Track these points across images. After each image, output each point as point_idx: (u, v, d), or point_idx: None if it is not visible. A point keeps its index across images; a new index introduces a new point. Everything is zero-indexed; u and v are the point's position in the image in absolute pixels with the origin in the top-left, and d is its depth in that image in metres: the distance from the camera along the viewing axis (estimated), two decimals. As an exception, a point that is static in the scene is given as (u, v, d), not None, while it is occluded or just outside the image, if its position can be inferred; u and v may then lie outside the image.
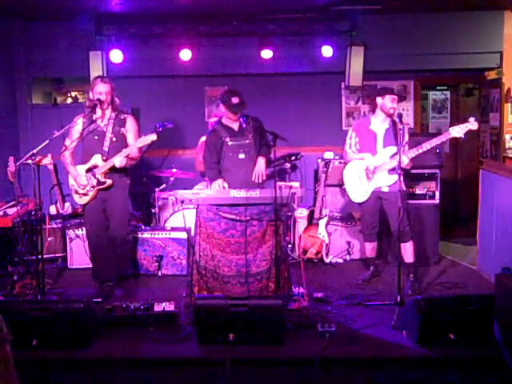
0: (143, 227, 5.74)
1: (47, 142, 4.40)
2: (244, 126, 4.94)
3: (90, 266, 5.06)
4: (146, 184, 6.26)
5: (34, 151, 4.40)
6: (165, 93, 6.90)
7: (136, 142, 4.69)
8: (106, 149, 4.72)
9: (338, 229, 6.02)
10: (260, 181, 4.94)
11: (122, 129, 4.78)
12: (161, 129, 6.15)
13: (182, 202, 4.57)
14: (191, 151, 6.53)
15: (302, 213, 6.03)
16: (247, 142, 4.94)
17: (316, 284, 5.05)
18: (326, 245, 5.82)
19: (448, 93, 7.66)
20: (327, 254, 5.84)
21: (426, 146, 4.69)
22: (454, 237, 6.77)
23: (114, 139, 4.74)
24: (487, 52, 6.64)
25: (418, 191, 5.77)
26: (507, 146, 6.58)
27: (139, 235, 5.59)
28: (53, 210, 5.76)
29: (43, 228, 5.29)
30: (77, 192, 4.81)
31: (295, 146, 6.24)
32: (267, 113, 6.20)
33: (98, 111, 4.75)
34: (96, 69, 6.24)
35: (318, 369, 3.54)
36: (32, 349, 3.70)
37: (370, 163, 4.98)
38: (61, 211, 5.70)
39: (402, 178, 4.53)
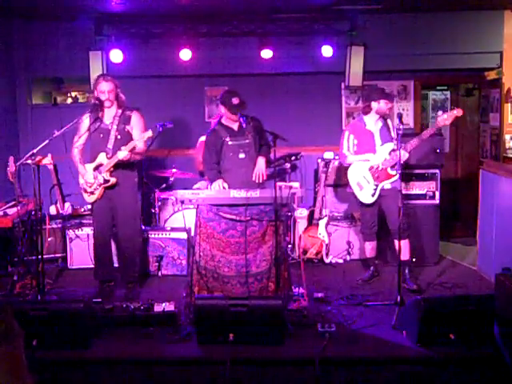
0: (143, 227, 5.74)
1: (47, 141, 4.40)
2: (244, 125, 4.94)
3: (90, 266, 5.06)
4: (146, 184, 6.26)
5: (34, 151, 4.40)
6: (165, 93, 6.90)
7: (135, 139, 4.66)
8: (110, 146, 4.71)
9: (338, 229, 6.02)
10: (260, 181, 4.94)
11: (127, 126, 4.77)
12: (161, 129, 6.14)
13: (182, 202, 4.57)
14: (191, 151, 6.53)
15: (301, 213, 6.03)
16: (247, 141, 4.94)
17: (316, 284, 5.05)
18: (326, 245, 5.82)
19: (448, 93, 7.66)
20: (327, 254, 5.84)
21: (419, 139, 4.80)
22: (454, 237, 6.77)
23: (119, 137, 4.72)
24: (487, 52, 6.64)
25: (417, 191, 5.77)
26: (507, 145, 6.58)
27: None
28: (53, 210, 5.76)
29: (43, 228, 5.29)
30: (85, 190, 4.82)
31: (295, 146, 6.23)
32: (267, 113, 6.20)
33: (105, 110, 4.75)
34: (96, 69, 6.23)
35: (318, 369, 3.54)
36: (32, 349, 3.69)
37: (376, 163, 4.99)
38: (61, 211, 5.70)
39: (392, 180, 4.72)
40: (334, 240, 5.95)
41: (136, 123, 4.79)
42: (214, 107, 6.84)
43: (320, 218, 5.88)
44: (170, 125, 6.20)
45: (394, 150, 4.89)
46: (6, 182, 5.26)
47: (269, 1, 6.03)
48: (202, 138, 5.95)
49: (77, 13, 6.18)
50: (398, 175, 4.81)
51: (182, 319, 4.22)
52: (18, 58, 6.76)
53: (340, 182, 6.30)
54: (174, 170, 6.19)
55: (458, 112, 4.73)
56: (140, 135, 4.63)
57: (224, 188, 4.80)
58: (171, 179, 6.21)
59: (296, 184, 5.39)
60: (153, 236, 5.58)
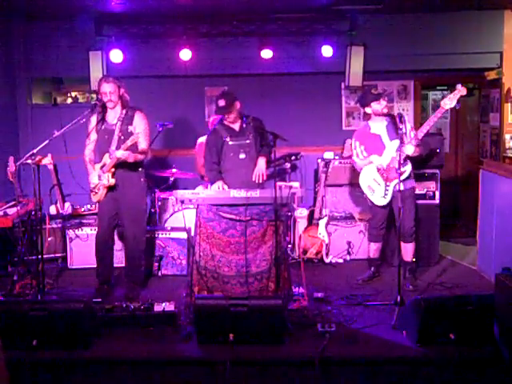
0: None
1: (47, 141, 4.40)
2: (245, 126, 4.95)
3: (90, 266, 5.05)
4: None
5: (34, 151, 4.40)
6: (165, 93, 6.90)
7: (127, 140, 4.60)
8: (113, 147, 4.70)
9: (338, 229, 6.02)
10: (261, 181, 4.95)
11: (130, 126, 4.73)
12: (161, 129, 6.15)
13: (182, 201, 4.57)
14: (191, 151, 6.53)
15: (302, 213, 6.03)
16: (248, 142, 4.94)
17: (316, 284, 5.05)
18: (326, 245, 5.82)
19: (448, 93, 7.65)
20: (327, 254, 5.84)
21: (426, 127, 4.65)
22: (454, 237, 6.77)
23: (122, 137, 4.69)
24: (487, 52, 6.65)
25: (418, 191, 5.76)
26: (507, 145, 6.58)
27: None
28: (53, 210, 5.77)
29: (43, 228, 5.29)
30: (91, 190, 4.83)
31: (295, 146, 6.23)
32: (267, 113, 6.19)
33: (110, 110, 4.75)
34: (96, 69, 6.24)
35: (318, 369, 3.55)
36: (32, 349, 3.70)
37: (379, 163, 4.97)
38: (61, 211, 5.71)
39: (402, 178, 4.59)
40: (333, 240, 5.95)
41: (138, 123, 4.76)
42: (213, 107, 6.84)
43: (320, 218, 5.89)
44: (170, 125, 6.22)
45: (399, 147, 4.72)
46: (6, 182, 5.26)
47: (269, 1, 6.03)
48: (201, 139, 5.96)
49: (77, 13, 6.18)
50: (406, 173, 4.81)
51: (181, 319, 4.22)
52: (18, 58, 6.76)
53: (340, 182, 6.30)
54: (174, 170, 6.19)
55: (462, 91, 4.51)
56: (132, 136, 4.58)
57: (224, 190, 4.80)
58: (171, 179, 6.21)
59: (296, 184, 5.38)
60: (153, 236, 5.58)
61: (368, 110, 5.00)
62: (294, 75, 6.85)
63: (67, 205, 5.76)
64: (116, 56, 6.36)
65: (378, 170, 4.98)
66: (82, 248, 5.67)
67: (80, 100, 7.93)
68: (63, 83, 7.87)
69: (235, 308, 3.75)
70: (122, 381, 3.64)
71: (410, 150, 4.70)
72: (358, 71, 6.50)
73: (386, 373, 3.61)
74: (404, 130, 4.73)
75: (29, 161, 4.43)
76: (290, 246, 5.93)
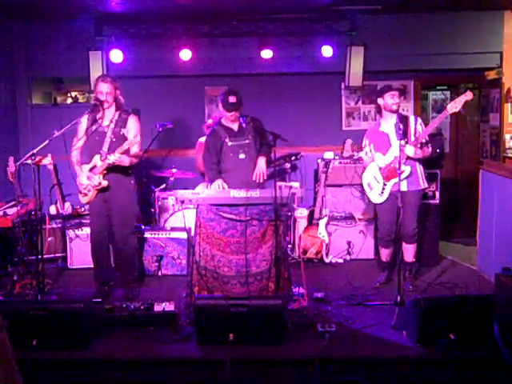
0: (143, 227, 5.74)
1: (47, 141, 4.39)
2: (244, 126, 4.95)
3: (90, 266, 5.05)
4: (146, 184, 6.26)
5: (34, 151, 4.39)
6: (165, 93, 6.90)
7: (124, 143, 4.60)
8: (105, 149, 4.67)
9: (338, 229, 6.02)
10: (261, 181, 4.94)
11: (123, 129, 4.72)
12: (161, 129, 6.16)
13: (182, 201, 4.57)
14: (191, 151, 6.53)
15: (302, 213, 6.03)
16: (247, 142, 4.94)
17: (316, 284, 5.05)
18: (326, 245, 5.82)
19: (448, 93, 7.65)
20: (327, 254, 5.84)
21: (428, 129, 4.69)
22: (454, 237, 6.77)
23: (114, 140, 4.68)
24: (487, 52, 6.65)
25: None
26: (507, 145, 6.58)
27: (139, 235, 5.57)
28: (53, 210, 5.77)
29: (43, 228, 5.30)
30: (80, 192, 4.81)
31: (295, 146, 6.24)
32: (267, 113, 6.20)
33: (105, 111, 4.74)
34: (96, 69, 6.24)
35: (318, 369, 3.55)
36: (32, 349, 3.69)
37: (381, 162, 4.95)
38: (61, 211, 5.71)
39: (401, 177, 4.57)
40: (333, 240, 5.95)
41: (131, 127, 4.74)
42: (214, 107, 6.85)
43: (320, 218, 5.89)
44: (169, 125, 6.23)
45: (401, 147, 4.67)
46: (6, 182, 5.26)
47: (269, 1, 6.03)
48: (201, 140, 5.97)
49: (77, 13, 6.18)
50: (405, 172, 4.79)
51: (181, 319, 4.22)
52: (18, 57, 6.76)
53: (340, 182, 6.30)
54: (173, 170, 6.19)
55: (468, 96, 4.51)
56: (128, 141, 4.59)
57: (224, 188, 4.80)
58: (171, 179, 6.21)
59: (296, 184, 5.39)
60: (153, 236, 5.58)
61: (380, 101, 4.93)
62: (294, 75, 6.86)
63: (67, 205, 5.76)
64: (116, 56, 6.36)
65: (380, 168, 4.97)
66: (81, 248, 5.67)
67: (80, 100, 7.93)
68: (63, 83, 7.87)
69: (235, 308, 3.75)
70: (121, 381, 3.63)
71: (410, 151, 4.70)
72: (358, 71, 6.50)
73: (386, 373, 3.61)
74: (413, 131, 4.73)
75: (29, 161, 4.42)
76: (289, 246, 5.93)
